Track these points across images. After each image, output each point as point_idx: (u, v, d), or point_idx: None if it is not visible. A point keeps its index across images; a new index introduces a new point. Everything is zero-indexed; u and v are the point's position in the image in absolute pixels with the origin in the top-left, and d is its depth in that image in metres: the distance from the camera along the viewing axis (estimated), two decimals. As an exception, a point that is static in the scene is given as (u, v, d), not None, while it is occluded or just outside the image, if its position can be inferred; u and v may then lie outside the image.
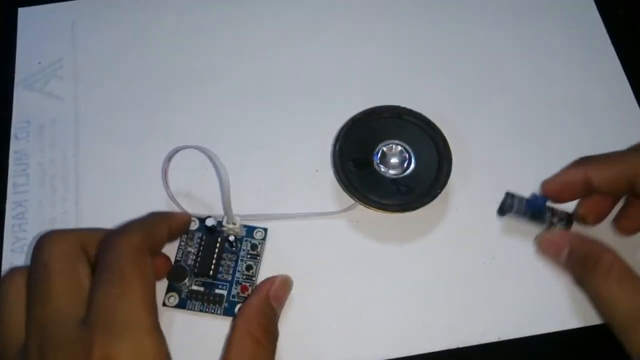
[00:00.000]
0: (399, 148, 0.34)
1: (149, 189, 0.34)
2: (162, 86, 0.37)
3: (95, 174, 0.35)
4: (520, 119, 0.36)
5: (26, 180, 0.35)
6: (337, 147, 0.33)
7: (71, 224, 0.33)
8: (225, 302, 0.31)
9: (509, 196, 0.33)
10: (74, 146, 0.36)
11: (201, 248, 0.31)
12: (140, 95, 0.37)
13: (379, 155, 0.34)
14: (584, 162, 0.31)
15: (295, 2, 0.40)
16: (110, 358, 0.23)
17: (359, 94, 0.36)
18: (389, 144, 0.34)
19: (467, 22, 0.39)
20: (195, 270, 0.31)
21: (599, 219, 0.33)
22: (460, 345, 0.30)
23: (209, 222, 0.31)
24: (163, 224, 0.30)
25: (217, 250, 0.31)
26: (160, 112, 0.37)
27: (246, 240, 0.32)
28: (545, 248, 0.32)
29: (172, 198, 0.33)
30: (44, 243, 0.26)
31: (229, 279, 0.31)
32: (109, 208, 0.34)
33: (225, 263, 0.31)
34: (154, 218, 0.30)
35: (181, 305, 0.31)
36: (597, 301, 0.28)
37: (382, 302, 0.31)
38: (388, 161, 0.33)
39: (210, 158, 0.31)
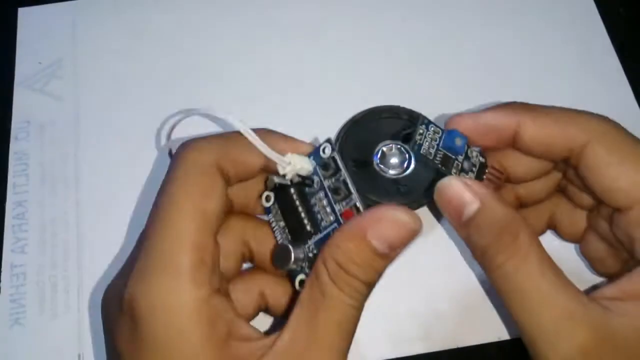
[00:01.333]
0: (399, 148, 0.34)
1: (150, 189, 0.34)
2: (163, 86, 0.37)
3: (96, 174, 0.35)
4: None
5: (26, 181, 0.35)
6: (336, 148, 0.33)
7: (71, 224, 0.33)
8: None
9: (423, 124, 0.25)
10: (74, 146, 0.36)
11: (284, 214, 0.25)
12: (141, 95, 0.37)
13: (378, 155, 0.34)
14: (519, 108, 0.24)
15: (295, 2, 0.40)
16: (134, 301, 0.20)
17: (358, 94, 0.36)
18: (389, 144, 0.34)
19: (467, 22, 0.39)
20: (295, 239, 0.25)
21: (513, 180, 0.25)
22: (460, 345, 0.30)
23: (271, 184, 0.24)
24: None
25: (297, 202, 0.25)
26: (161, 111, 0.37)
27: (319, 167, 0.25)
28: (444, 200, 0.24)
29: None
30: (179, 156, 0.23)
31: (333, 218, 0.24)
32: (110, 208, 0.34)
33: (319, 207, 0.24)
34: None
35: None
36: (511, 290, 0.22)
37: (381, 302, 0.31)
38: (388, 161, 0.33)
39: (215, 118, 0.27)
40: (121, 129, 0.36)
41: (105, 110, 0.37)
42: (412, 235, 0.22)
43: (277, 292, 0.26)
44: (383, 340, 0.30)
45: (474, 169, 0.25)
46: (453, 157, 0.25)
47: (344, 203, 0.24)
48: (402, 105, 0.35)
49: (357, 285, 0.21)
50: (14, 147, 0.36)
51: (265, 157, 0.23)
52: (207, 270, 0.21)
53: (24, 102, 0.37)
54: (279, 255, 0.24)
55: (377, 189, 0.33)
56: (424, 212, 0.32)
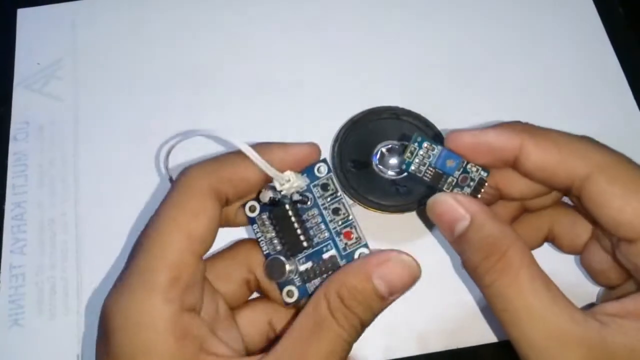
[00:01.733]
0: (398, 149, 0.34)
1: (149, 189, 0.34)
2: (162, 86, 0.37)
3: (95, 175, 0.35)
4: (519, 119, 0.36)
5: (25, 181, 0.35)
6: (336, 148, 0.33)
7: (70, 225, 0.33)
8: (341, 260, 0.25)
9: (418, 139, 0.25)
10: (73, 147, 0.36)
11: (276, 227, 0.26)
12: (140, 96, 0.37)
13: (378, 156, 0.34)
14: (522, 130, 0.24)
15: (295, 2, 0.40)
16: (108, 316, 0.21)
17: (358, 94, 0.36)
18: (388, 145, 0.34)
19: (467, 22, 0.39)
20: (288, 252, 0.25)
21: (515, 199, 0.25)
22: (460, 346, 0.30)
23: (265, 197, 0.25)
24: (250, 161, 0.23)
25: (292, 218, 0.25)
26: (160, 112, 0.37)
27: (315, 186, 0.26)
28: (437, 214, 0.24)
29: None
30: (178, 184, 0.23)
31: (328, 235, 0.25)
32: (109, 209, 0.34)
33: (312, 223, 0.26)
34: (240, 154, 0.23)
35: (303, 294, 0.25)
36: (502, 309, 0.22)
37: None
38: (387, 162, 0.33)
39: (215, 138, 0.28)
40: (120, 129, 0.36)
41: (105, 111, 0.37)
42: (412, 280, 0.23)
43: (284, 321, 0.26)
44: (381, 340, 0.30)
45: (471, 183, 0.25)
46: (447, 173, 0.25)
47: (340, 222, 0.25)
48: (400, 106, 0.35)
49: (354, 322, 0.22)
50: (13, 147, 0.36)
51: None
52: (181, 288, 0.21)
53: (23, 102, 0.37)
54: (273, 267, 0.25)
55: (376, 190, 0.33)
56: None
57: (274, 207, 0.25)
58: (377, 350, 0.30)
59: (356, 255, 0.25)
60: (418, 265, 0.23)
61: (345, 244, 0.25)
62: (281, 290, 0.26)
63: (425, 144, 0.25)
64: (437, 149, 0.25)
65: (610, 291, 0.27)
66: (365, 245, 0.25)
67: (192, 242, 0.22)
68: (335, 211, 0.25)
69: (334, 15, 0.40)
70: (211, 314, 0.24)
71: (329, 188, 0.25)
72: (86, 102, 0.37)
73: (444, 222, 0.24)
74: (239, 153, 0.23)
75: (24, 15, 0.40)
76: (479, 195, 0.25)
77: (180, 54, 0.39)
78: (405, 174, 0.33)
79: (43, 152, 0.36)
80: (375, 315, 0.23)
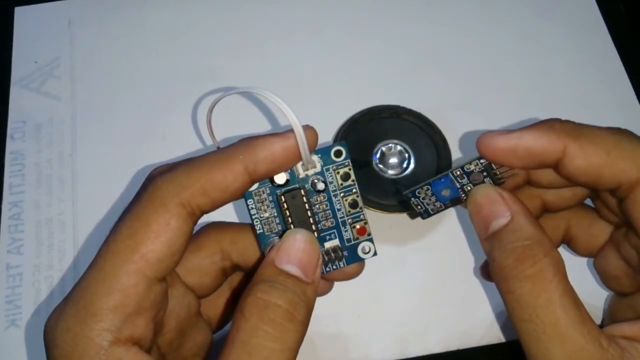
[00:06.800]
0: (399, 148, 0.33)
1: (146, 189, 0.34)
2: (160, 85, 0.37)
3: (93, 175, 0.35)
4: (519, 119, 0.36)
5: (22, 181, 0.34)
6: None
7: (68, 224, 0.33)
8: (344, 250, 0.24)
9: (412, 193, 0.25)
10: (71, 146, 0.35)
11: (287, 210, 0.24)
12: (138, 95, 0.37)
13: (378, 155, 0.33)
14: (563, 132, 0.22)
15: (294, 1, 0.40)
16: (46, 338, 0.20)
17: (358, 93, 0.36)
18: (388, 144, 0.34)
19: (467, 21, 0.39)
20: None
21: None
22: (460, 347, 0.30)
23: (282, 179, 0.23)
24: (235, 161, 0.21)
25: (307, 205, 0.24)
26: (158, 111, 0.36)
27: (328, 170, 0.24)
28: (475, 207, 0.23)
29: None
30: (144, 192, 0.22)
31: (333, 224, 0.24)
32: (106, 209, 0.33)
33: (318, 209, 0.24)
34: (226, 153, 0.21)
35: None
36: (525, 320, 0.20)
37: (380, 303, 0.31)
38: (387, 161, 0.33)
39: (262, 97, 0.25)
40: (118, 128, 0.36)
41: (102, 110, 0.37)
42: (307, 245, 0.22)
43: (240, 244, 0.25)
44: (381, 342, 0.30)
45: (485, 178, 0.23)
46: (455, 197, 0.24)
47: (352, 214, 0.24)
48: (401, 104, 0.35)
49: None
50: (10, 147, 0.35)
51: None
52: (123, 316, 0.20)
53: (20, 101, 0.37)
54: None
55: (376, 189, 0.32)
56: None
57: (284, 188, 0.24)
58: (377, 351, 0.30)
59: (360, 248, 0.24)
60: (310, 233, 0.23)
61: (352, 236, 0.24)
62: None
63: (418, 192, 0.25)
64: (430, 188, 0.24)
65: (620, 297, 0.27)
66: (371, 240, 0.25)
67: (147, 264, 0.20)
68: (353, 205, 0.24)
69: (334, 14, 0.40)
70: (183, 315, 0.23)
71: (349, 178, 0.24)
72: (83, 100, 0.37)
73: (481, 215, 0.22)
74: (216, 158, 0.21)
75: (21, 14, 0.40)
76: (502, 180, 0.23)
77: (178, 52, 0.38)
78: (406, 172, 0.33)
79: (40, 151, 0.35)
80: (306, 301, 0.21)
